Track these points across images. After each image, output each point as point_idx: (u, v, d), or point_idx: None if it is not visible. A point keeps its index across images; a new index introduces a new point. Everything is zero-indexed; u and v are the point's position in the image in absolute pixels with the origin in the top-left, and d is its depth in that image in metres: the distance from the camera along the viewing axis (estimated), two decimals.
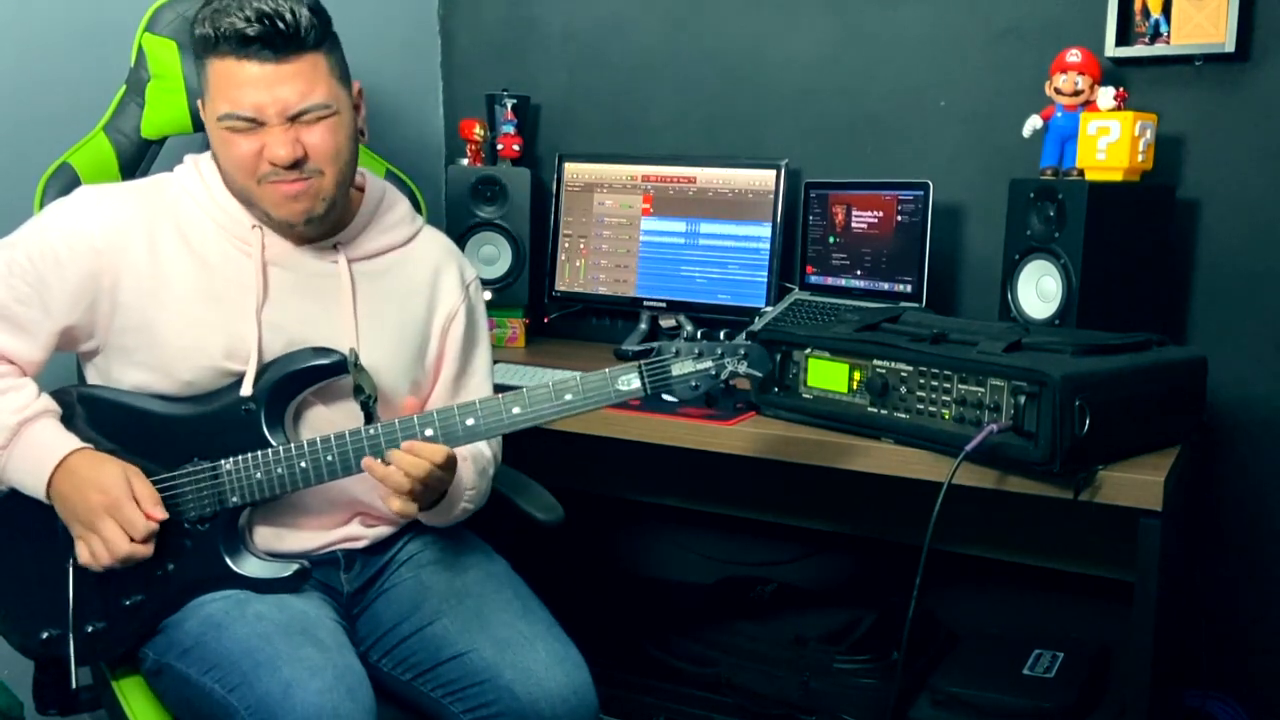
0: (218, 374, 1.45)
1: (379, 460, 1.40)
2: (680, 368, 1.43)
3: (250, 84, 1.37)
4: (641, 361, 1.43)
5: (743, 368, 1.43)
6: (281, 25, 1.36)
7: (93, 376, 1.51)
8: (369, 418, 1.48)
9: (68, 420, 1.45)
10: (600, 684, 1.49)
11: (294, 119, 1.39)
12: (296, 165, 1.40)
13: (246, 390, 1.44)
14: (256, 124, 1.39)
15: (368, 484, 1.44)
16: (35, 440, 1.41)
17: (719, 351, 1.43)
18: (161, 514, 1.39)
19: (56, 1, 1.97)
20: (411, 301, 1.59)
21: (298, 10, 1.38)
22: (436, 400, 1.62)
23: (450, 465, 1.43)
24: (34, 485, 1.40)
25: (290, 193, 1.42)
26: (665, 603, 2.39)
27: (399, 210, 1.61)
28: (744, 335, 1.45)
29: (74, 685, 1.44)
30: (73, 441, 1.41)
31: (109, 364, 1.47)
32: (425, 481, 1.40)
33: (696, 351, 1.43)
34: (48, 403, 1.44)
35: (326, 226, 1.50)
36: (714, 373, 1.43)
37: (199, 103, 1.45)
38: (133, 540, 1.38)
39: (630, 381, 1.43)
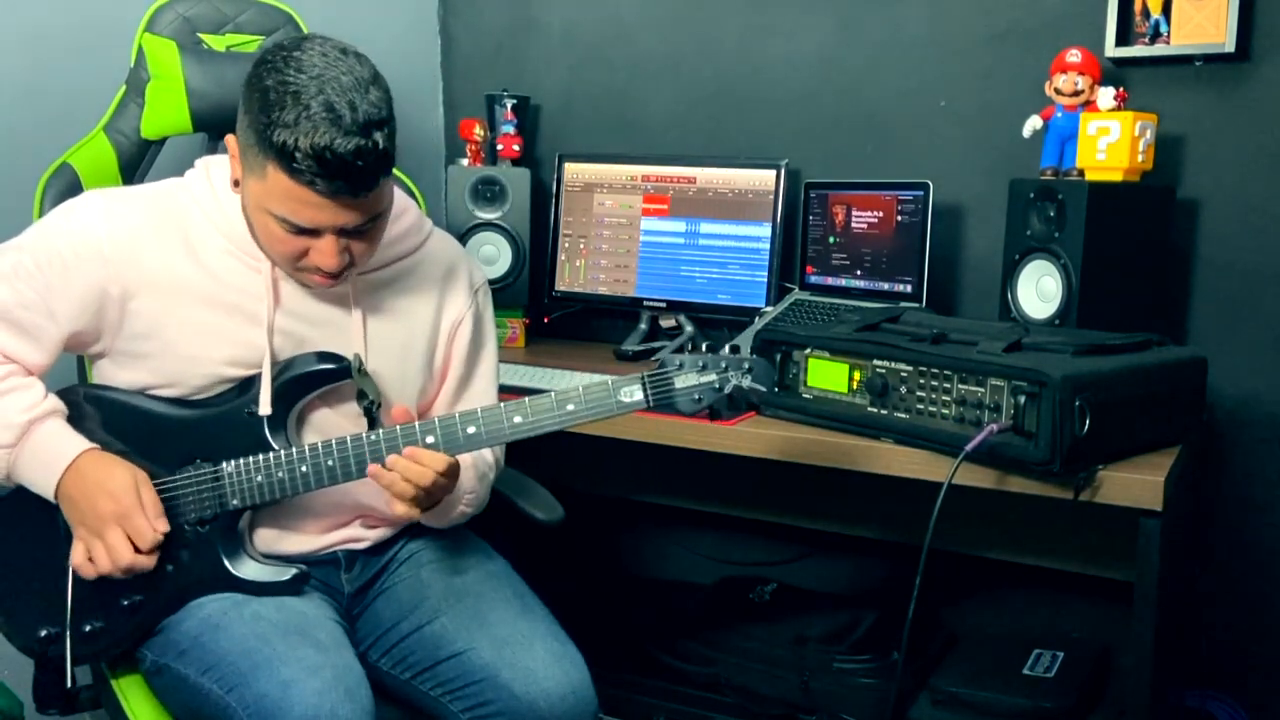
0: (225, 381, 1.45)
1: (382, 466, 1.40)
2: (683, 380, 1.42)
3: (316, 207, 1.31)
4: (645, 374, 1.43)
5: (746, 382, 1.43)
6: (369, 172, 1.29)
7: (97, 375, 1.51)
8: (372, 423, 1.48)
9: (73, 419, 1.45)
10: (600, 684, 1.49)
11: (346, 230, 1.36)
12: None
13: (265, 409, 1.43)
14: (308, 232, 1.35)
15: (371, 487, 1.44)
16: (44, 440, 1.41)
17: (723, 365, 1.43)
18: (164, 526, 1.39)
19: (56, 2, 1.97)
20: (419, 308, 1.57)
21: (387, 146, 1.30)
22: (438, 408, 1.61)
23: (452, 473, 1.43)
24: (43, 485, 1.40)
25: (324, 284, 1.42)
26: (665, 603, 2.39)
27: (407, 219, 1.56)
28: (750, 343, 1.43)
29: (71, 684, 1.44)
30: (82, 442, 1.41)
31: (115, 366, 1.47)
32: (428, 488, 1.40)
33: (700, 364, 1.43)
34: (55, 402, 1.44)
35: None
36: (718, 386, 1.42)
37: (238, 168, 1.36)
38: (137, 551, 1.38)
39: (633, 393, 1.42)
